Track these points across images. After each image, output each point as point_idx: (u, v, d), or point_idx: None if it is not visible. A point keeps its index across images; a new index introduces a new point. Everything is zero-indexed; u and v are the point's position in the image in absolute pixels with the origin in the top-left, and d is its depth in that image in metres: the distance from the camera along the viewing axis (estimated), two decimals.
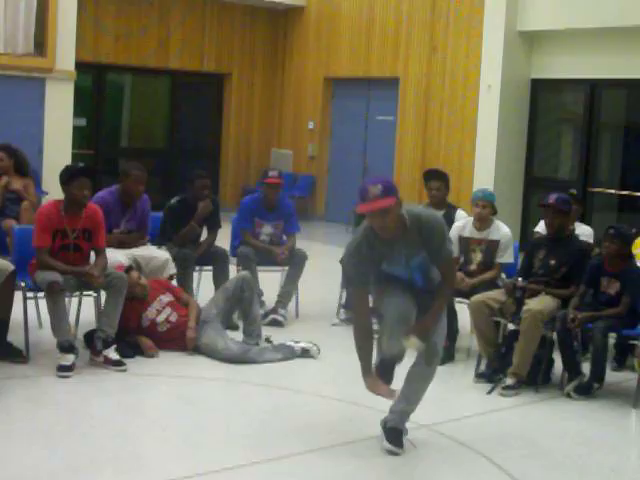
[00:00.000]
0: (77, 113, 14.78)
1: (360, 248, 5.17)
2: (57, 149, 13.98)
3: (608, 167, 13.90)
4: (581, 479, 5.33)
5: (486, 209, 7.67)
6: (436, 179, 8.41)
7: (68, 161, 13.56)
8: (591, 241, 7.99)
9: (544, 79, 13.59)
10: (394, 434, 5.40)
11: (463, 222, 7.89)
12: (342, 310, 8.84)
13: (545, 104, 13.94)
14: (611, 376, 7.10)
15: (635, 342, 7.01)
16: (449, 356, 7.56)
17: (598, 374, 6.80)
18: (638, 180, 13.12)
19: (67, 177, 6.87)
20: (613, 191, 13.18)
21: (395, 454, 5.34)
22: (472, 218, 7.79)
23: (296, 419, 5.89)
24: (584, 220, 9.19)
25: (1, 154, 9.82)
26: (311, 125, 17.18)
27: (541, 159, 14.01)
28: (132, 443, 5.42)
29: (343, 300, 8.88)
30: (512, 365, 6.85)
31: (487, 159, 13.50)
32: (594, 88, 13.14)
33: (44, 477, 4.80)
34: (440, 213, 8.28)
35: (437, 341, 5.37)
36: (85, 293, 7.35)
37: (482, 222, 7.70)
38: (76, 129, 14.87)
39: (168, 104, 17.77)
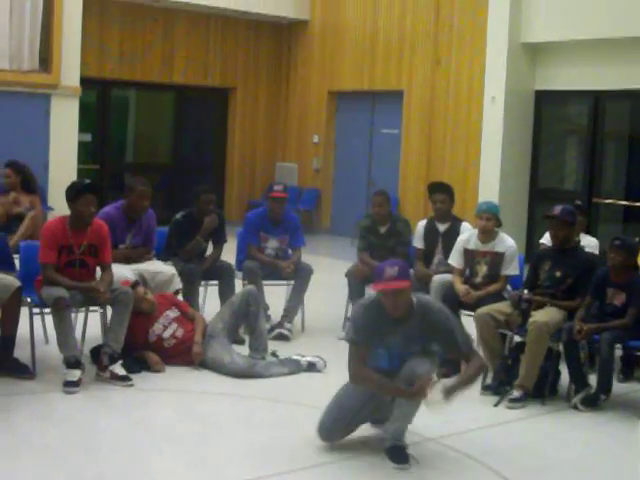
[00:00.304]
0: (82, 128, 14.81)
1: (368, 312, 5.51)
2: (62, 164, 14.01)
3: (613, 178, 13.89)
4: None
5: (490, 222, 7.67)
6: (440, 192, 8.44)
7: (73, 176, 13.57)
8: (597, 252, 7.98)
9: (548, 91, 13.59)
10: (395, 452, 5.40)
11: (468, 235, 7.90)
12: (348, 324, 8.82)
13: (549, 115, 13.94)
14: (618, 388, 7.08)
15: None
16: (455, 369, 7.55)
17: (605, 386, 6.79)
18: None
19: (73, 194, 6.89)
20: (620, 202, 13.16)
21: (403, 470, 5.34)
22: (477, 230, 7.80)
23: (302, 433, 5.88)
24: (589, 231, 9.18)
25: (8, 171, 9.88)
26: (316, 139, 17.19)
27: (546, 170, 14.00)
28: (138, 458, 5.42)
29: (349, 314, 8.88)
30: (518, 377, 6.85)
31: (492, 171, 13.49)
32: (598, 99, 13.14)
33: None
34: (445, 225, 8.36)
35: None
36: (91, 309, 7.35)
37: (486, 235, 7.70)
38: (81, 144, 14.90)
39: (173, 119, 17.81)
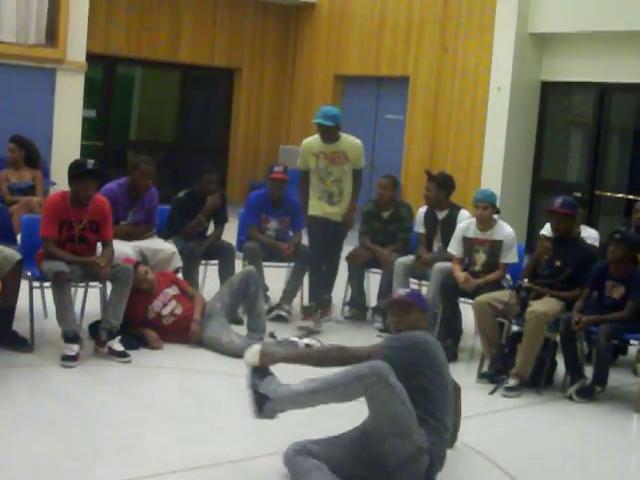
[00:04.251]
0: (87, 104, 14.78)
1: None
2: (66, 140, 13.98)
3: (616, 171, 13.88)
4: None
5: (487, 210, 7.69)
6: (429, 180, 8.54)
7: (77, 152, 13.58)
8: (597, 244, 7.99)
9: (554, 82, 13.57)
10: None
11: (467, 223, 7.91)
12: (346, 307, 8.86)
13: (555, 106, 13.92)
14: (613, 380, 7.10)
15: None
16: (452, 356, 7.58)
17: (601, 377, 6.81)
18: None
19: (74, 175, 6.88)
20: (623, 195, 13.15)
21: None
22: (475, 219, 7.82)
23: (298, 415, 5.88)
24: (590, 224, 9.19)
25: (12, 145, 9.93)
26: None
27: (549, 161, 13.99)
28: (134, 434, 5.45)
29: (348, 297, 8.91)
30: (515, 366, 6.87)
31: (495, 160, 13.48)
32: (604, 92, 13.11)
33: (46, 465, 4.83)
34: (443, 213, 8.39)
35: None
36: (91, 284, 7.37)
37: (484, 223, 7.73)
38: (86, 120, 14.88)
39: (178, 98, 17.77)
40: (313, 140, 8.38)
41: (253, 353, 5.13)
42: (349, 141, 8.47)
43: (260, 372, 5.10)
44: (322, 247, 8.42)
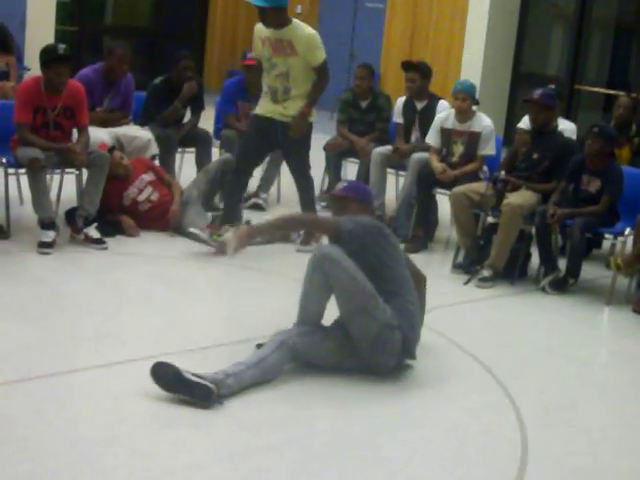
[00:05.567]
0: None
1: None
2: (40, 25, 13.70)
3: (596, 66, 13.80)
4: (552, 371, 5.42)
5: (465, 102, 7.63)
6: (410, 70, 8.36)
7: (51, 37, 13.32)
8: (574, 137, 7.97)
9: None
10: None
11: (445, 114, 7.86)
12: (325, 196, 8.85)
13: None
14: (586, 273, 7.17)
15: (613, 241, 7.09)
16: (422, 245, 7.63)
17: (574, 270, 6.89)
18: (625, 80, 13.05)
19: (46, 61, 6.74)
20: (602, 90, 13.11)
21: None
22: (454, 110, 7.77)
23: (273, 301, 5.94)
24: (569, 118, 9.16)
25: None
26: (299, 9, 16.87)
27: (530, 54, 13.87)
28: (111, 320, 5.47)
29: (325, 186, 8.91)
30: (489, 257, 6.93)
31: (475, 51, 13.36)
32: None
33: (23, 349, 4.85)
34: (422, 103, 8.31)
35: None
36: (67, 171, 7.33)
37: (463, 114, 7.67)
38: (60, 4, 14.57)
39: None
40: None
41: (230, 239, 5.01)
42: (299, 29, 6.87)
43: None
44: (250, 150, 7.30)
